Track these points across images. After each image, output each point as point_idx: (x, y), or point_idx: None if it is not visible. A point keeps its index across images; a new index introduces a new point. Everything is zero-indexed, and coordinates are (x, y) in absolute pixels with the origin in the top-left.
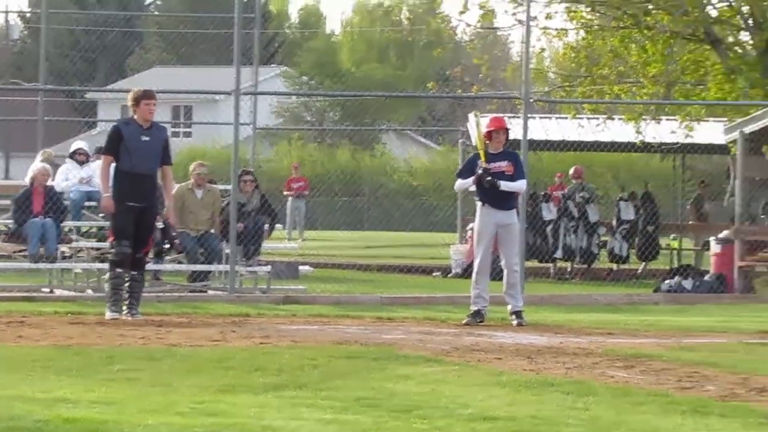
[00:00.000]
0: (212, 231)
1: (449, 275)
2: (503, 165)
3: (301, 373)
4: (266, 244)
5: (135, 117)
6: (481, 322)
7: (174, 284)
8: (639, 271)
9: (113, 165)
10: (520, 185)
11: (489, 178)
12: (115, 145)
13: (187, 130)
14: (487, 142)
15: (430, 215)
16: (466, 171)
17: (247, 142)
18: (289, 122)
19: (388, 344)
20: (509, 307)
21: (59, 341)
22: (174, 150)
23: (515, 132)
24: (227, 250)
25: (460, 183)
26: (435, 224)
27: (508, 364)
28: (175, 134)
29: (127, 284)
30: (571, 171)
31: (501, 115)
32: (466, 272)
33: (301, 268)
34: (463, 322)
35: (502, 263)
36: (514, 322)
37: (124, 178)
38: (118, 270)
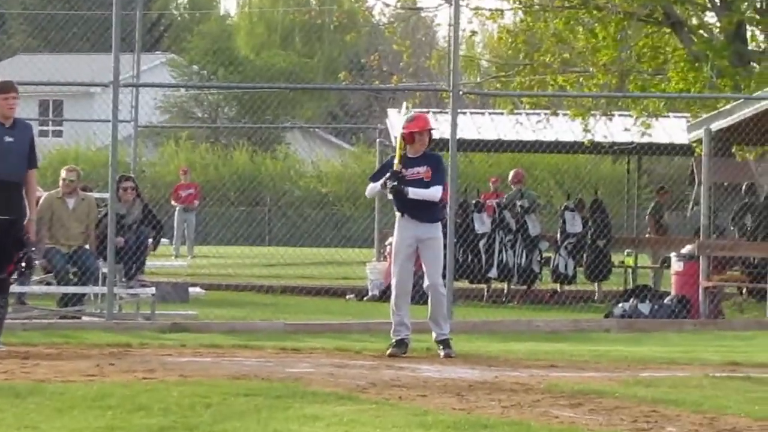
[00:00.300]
0: (86, 247)
1: (365, 298)
2: (421, 171)
3: (191, 413)
4: (150, 262)
5: None
6: (404, 353)
7: (42, 309)
8: (596, 296)
9: None
10: (432, 192)
11: (394, 184)
12: None
13: (57, 128)
14: (407, 144)
15: (342, 228)
16: (380, 174)
17: (128, 143)
18: (176, 119)
19: (294, 379)
20: (434, 335)
21: None
22: (41, 151)
23: (442, 130)
24: (104, 269)
25: (371, 187)
26: (348, 239)
27: (434, 402)
28: (43, 133)
29: None
30: (511, 175)
31: (426, 110)
32: (385, 294)
33: (191, 290)
34: (388, 353)
35: (425, 284)
36: (441, 353)
37: None
38: None
